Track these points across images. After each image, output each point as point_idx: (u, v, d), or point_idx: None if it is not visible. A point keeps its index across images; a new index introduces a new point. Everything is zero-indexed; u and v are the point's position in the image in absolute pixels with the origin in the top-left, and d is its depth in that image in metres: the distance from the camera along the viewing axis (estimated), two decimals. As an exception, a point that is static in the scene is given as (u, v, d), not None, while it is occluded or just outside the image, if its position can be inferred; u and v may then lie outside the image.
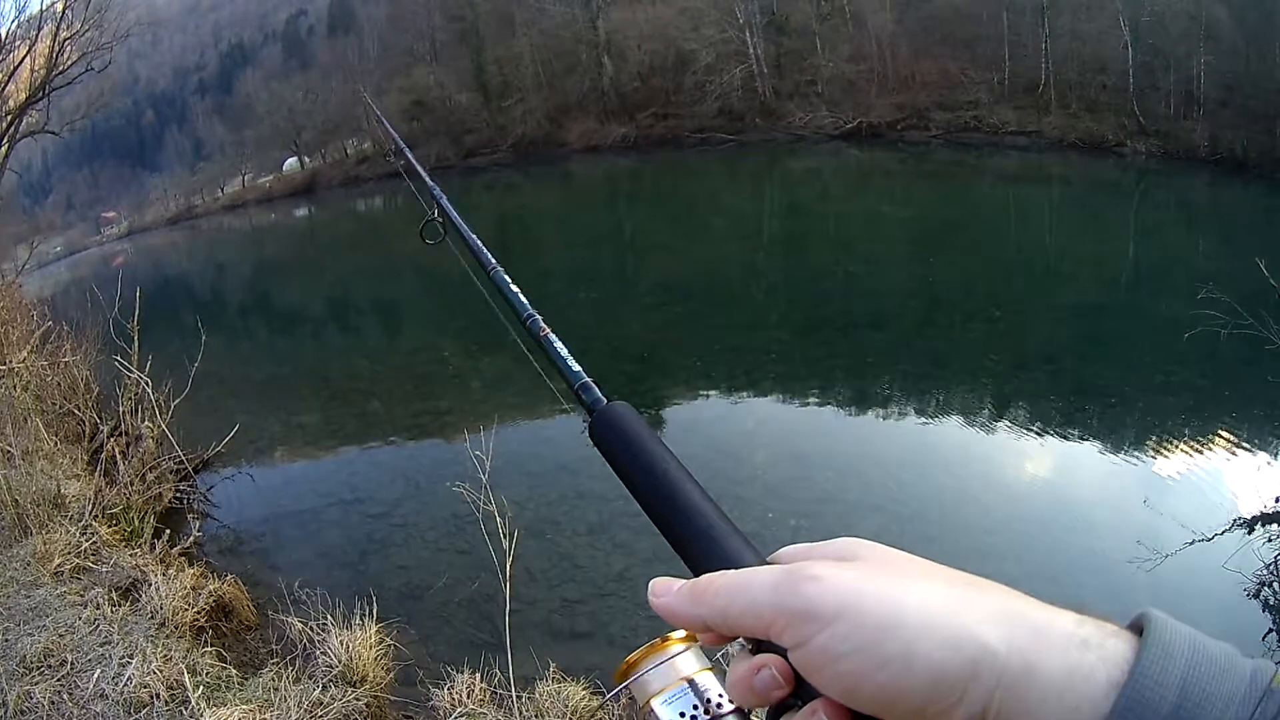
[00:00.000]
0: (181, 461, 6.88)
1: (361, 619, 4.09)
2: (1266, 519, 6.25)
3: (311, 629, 4.14)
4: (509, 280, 0.79)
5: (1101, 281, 15.19)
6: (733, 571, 0.45)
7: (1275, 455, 8.41)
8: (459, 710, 3.55)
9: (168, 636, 4.03)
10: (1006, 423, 8.57)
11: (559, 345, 0.70)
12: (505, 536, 3.68)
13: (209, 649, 4.05)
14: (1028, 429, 8.33)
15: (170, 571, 4.79)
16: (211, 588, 4.66)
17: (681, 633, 0.50)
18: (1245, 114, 30.47)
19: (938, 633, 0.36)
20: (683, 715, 0.49)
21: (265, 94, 34.48)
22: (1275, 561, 5.65)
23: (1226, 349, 6.72)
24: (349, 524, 6.40)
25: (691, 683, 0.49)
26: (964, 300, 12.69)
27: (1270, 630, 5.43)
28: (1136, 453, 8.32)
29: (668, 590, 0.46)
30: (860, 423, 8.04)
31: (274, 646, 4.37)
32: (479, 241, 0.86)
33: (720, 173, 23.85)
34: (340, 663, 3.82)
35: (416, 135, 24.08)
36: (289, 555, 6.01)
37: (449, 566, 5.35)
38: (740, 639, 0.46)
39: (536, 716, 3.50)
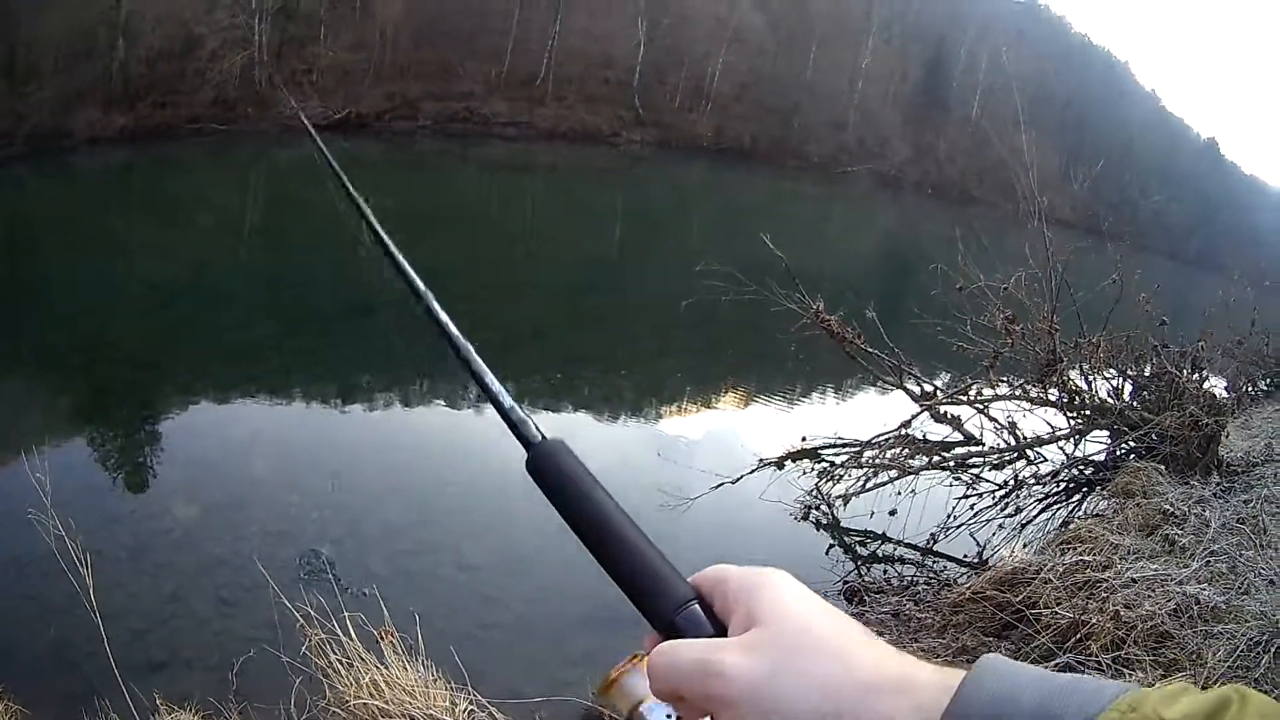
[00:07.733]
0: None
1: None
2: (796, 456, 6.66)
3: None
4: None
5: (587, 260, 16.55)
6: (683, 642, 0.52)
7: (790, 401, 9.69)
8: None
9: None
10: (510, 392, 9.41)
11: (493, 383, 0.67)
12: (80, 563, 3.29)
13: None
14: (529, 401, 8.50)
15: None
16: None
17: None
18: (758, 108, 36.11)
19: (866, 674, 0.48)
20: (669, 715, 0.63)
21: None
22: (816, 488, 6.34)
23: (730, 314, 6.79)
24: None
25: None
26: (448, 283, 11.30)
27: (832, 545, 6.09)
28: (641, 412, 9.04)
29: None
30: (348, 416, 8.15)
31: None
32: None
33: (208, 166, 22.79)
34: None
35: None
36: None
37: (27, 610, 4.50)
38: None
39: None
